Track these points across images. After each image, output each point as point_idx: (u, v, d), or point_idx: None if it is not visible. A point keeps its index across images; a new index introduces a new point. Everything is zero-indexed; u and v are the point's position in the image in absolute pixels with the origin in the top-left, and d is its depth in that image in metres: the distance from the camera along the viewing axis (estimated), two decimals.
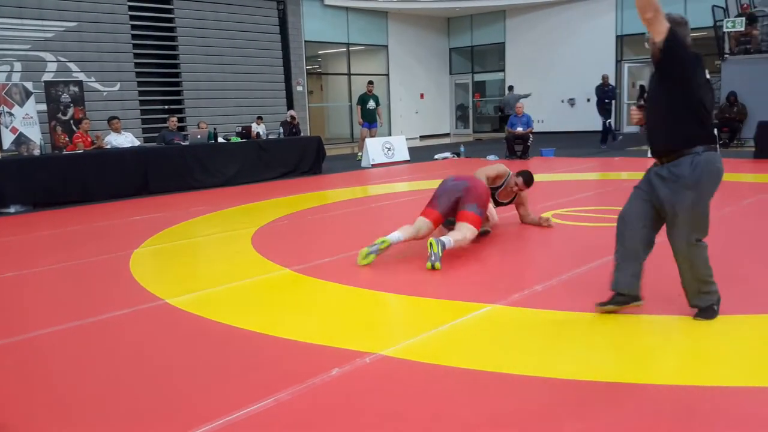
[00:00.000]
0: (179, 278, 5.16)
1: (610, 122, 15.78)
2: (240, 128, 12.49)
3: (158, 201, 9.59)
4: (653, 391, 2.80)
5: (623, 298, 3.65)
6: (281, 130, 13.64)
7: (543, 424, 2.57)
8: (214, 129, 12.20)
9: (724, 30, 15.14)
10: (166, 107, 15.52)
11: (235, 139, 12.08)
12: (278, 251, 5.85)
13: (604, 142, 15.50)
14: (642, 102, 3.52)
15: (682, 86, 3.20)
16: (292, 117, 14.64)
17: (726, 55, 15.41)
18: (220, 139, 12.04)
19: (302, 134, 15.08)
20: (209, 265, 5.73)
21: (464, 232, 5.15)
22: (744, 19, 14.89)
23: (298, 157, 12.51)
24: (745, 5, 15.85)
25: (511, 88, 19.57)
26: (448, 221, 5.49)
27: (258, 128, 13.74)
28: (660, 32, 3.11)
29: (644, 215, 3.49)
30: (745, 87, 14.69)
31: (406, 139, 15.55)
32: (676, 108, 3.22)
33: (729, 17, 15.31)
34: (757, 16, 15.28)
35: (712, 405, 2.66)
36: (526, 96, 17.80)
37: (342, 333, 3.70)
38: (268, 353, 3.44)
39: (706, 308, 3.53)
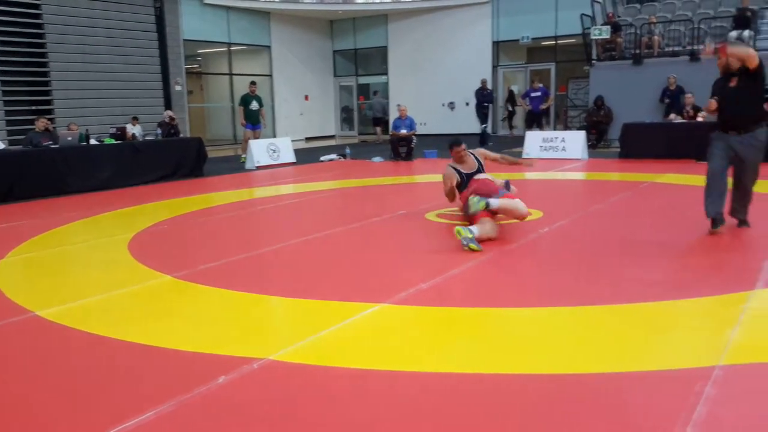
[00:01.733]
0: (50, 289, 4.84)
1: (485, 127, 16.35)
2: (114, 129, 11.90)
3: (25, 207, 8.98)
4: (540, 380, 2.91)
5: (718, 219, 5.53)
6: (159, 131, 13.14)
7: (437, 419, 2.61)
8: (86, 130, 11.57)
9: (592, 37, 16.06)
10: (34, 108, 14.57)
11: (108, 141, 11.51)
12: (158, 258, 5.62)
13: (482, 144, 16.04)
14: (716, 98, 5.57)
15: (763, 87, 5.39)
16: (171, 117, 14.14)
17: (593, 61, 16.34)
18: (93, 141, 11.43)
19: (182, 135, 14.61)
20: (82, 274, 5.41)
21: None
22: (609, 27, 15.88)
23: (177, 159, 12.08)
24: (611, 14, 16.89)
25: (376, 92, 22.03)
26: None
27: (133, 129, 13.17)
28: (754, 60, 5.23)
29: (725, 168, 5.52)
30: (611, 91, 15.65)
31: (292, 140, 15.43)
32: (758, 100, 5.44)
33: (596, 25, 16.25)
34: (620, 25, 16.32)
35: (589, 391, 2.79)
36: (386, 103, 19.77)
37: (228, 339, 3.60)
38: (149, 364, 3.28)
39: (745, 219, 5.80)
